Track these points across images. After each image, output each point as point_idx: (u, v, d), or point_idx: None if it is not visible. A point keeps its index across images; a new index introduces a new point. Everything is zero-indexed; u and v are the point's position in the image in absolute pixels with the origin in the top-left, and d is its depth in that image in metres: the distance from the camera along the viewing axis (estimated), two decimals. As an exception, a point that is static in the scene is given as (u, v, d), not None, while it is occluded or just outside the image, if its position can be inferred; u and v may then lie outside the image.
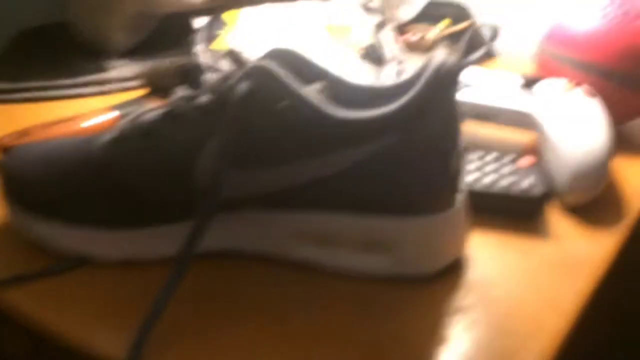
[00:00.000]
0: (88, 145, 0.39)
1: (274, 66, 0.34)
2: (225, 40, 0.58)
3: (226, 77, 0.36)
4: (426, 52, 0.68)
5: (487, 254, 0.41)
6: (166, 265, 0.39)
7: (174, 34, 0.79)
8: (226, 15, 0.60)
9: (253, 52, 0.55)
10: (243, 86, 0.34)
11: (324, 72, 0.37)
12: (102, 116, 0.58)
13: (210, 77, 0.48)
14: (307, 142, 0.34)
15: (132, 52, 0.77)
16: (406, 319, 0.35)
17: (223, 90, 0.35)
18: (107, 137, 0.39)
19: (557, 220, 0.44)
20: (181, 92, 0.38)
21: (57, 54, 0.76)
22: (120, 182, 0.37)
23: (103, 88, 0.70)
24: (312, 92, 0.34)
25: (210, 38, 0.58)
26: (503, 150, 0.49)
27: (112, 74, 0.71)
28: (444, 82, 0.34)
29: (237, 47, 0.56)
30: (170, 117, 0.37)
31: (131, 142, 0.37)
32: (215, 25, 0.59)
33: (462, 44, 0.70)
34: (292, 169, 0.35)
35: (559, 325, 0.35)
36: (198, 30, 0.59)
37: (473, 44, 0.74)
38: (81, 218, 0.38)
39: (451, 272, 0.39)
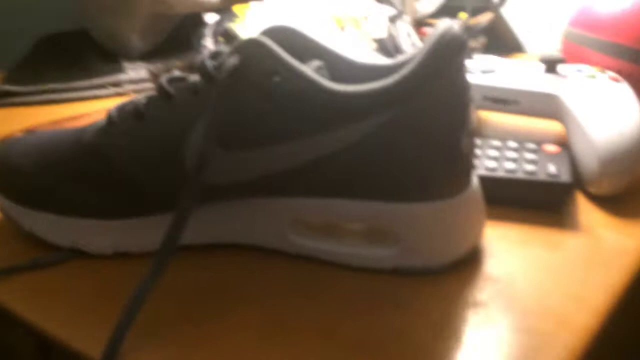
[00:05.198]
0: (80, 134, 0.37)
1: (265, 40, 0.32)
2: (236, 32, 0.56)
3: (215, 54, 0.33)
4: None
5: (507, 247, 0.37)
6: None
7: (189, 34, 0.77)
8: (237, 8, 0.58)
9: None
10: (231, 61, 0.32)
11: (323, 49, 0.35)
12: (111, 114, 0.57)
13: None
14: (301, 119, 0.32)
15: (149, 54, 0.76)
16: (414, 314, 0.32)
17: (211, 67, 0.33)
18: (99, 124, 0.37)
19: (585, 211, 0.41)
20: (173, 74, 0.36)
21: (74, 57, 0.76)
22: (111, 168, 0.35)
23: (119, 89, 0.68)
24: (307, 68, 0.32)
25: (220, 32, 0.57)
26: (525, 139, 0.45)
27: (129, 75, 0.70)
28: (449, 49, 0.31)
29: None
30: (160, 99, 0.35)
31: (121, 126, 0.35)
32: (226, 19, 0.58)
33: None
34: (284, 148, 0.32)
35: (587, 323, 0.31)
36: (207, 25, 0.58)
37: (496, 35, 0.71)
38: (72, 208, 0.36)
39: (466, 265, 0.35)
